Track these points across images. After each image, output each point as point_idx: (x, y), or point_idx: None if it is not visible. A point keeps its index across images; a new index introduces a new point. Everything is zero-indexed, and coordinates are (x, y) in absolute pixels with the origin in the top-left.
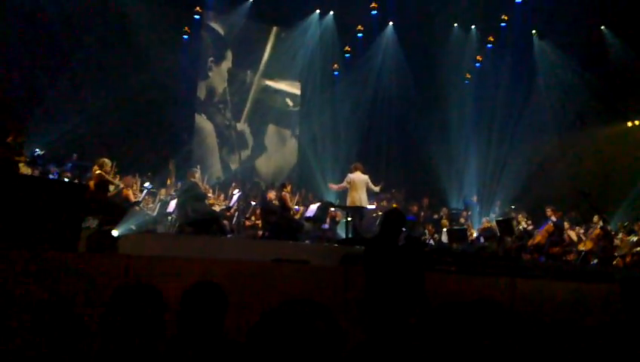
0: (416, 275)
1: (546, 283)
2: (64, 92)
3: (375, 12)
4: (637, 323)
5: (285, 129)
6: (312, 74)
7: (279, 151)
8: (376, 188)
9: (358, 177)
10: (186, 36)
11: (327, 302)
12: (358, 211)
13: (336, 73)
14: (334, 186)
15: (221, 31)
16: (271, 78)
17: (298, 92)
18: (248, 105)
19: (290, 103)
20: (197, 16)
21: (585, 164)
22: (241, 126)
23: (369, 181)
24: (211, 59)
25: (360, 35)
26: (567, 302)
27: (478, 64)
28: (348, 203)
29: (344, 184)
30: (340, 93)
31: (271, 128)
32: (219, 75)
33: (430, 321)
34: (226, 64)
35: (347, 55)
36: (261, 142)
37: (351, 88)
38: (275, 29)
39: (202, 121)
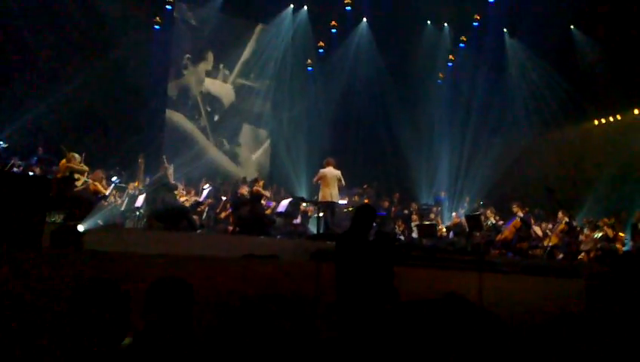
0: (386, 270)
1: (512, 278)
2: (29, 84)
3: (349, 8)
4: (600, 316)
5: (259, 128)
6: (286, 69)
7: (252, 149)
8: (343, 183)
9: (330, 172)
10: (157, 26)
11: (298, 297)
12: (329, 206)
13: (309, 69)
14: (314, 179)
15: (194, 24)
16: (245, 76)
17: (271, 90)
18: (222, 102)
19: (263, 101)
20: (169, 7)
21: (552, 161)
22: (214, 123)
23: (341, 176)
24: (187, 56)
25: (334, 30)
26: (533, 297)
27: (450, 63)
28: (320, 198)
29: (315, 179)
30: (313, 89)
31: (244, 126)
32: (192, 72)
33: (400, 317)
34: (200, 62)
35: (321, 50)
36: (234, 139)
37: (324, 84)
38: (254, 25)
39: (173, 116)
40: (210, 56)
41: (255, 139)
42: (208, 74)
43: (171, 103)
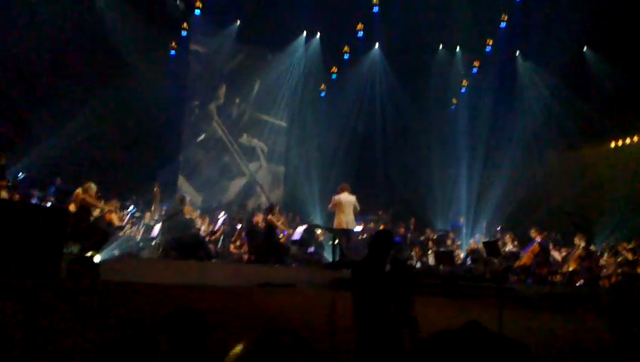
0: (404, 298)
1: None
2: (49, 113)
3: (361, 34)
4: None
5: (273, 158)
6: (299, 96)
7: (267, 178)
8: (358, 207)
9: (346, 198)
10: (173, 52)
11: (315, 326)
12: (345, 233)
13: (322, 94)
14: (329, 206)
15: (208, 54)
16: (259, 109)
17: (284, 124)
18: (237, 134)
19: (278, 133)
20: (184, 32)
21: (570, 184)
22: (230, 154)
23: (356, 202)
24: (201, 85)
25: (346, 56)
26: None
27: (463, 89)
28: (335, 225)
29: (330, 205)
30: (327, 115)
31: (259, 157)
32: (208, 102)
33: (423, 351)
34: (215, 93)
35: (334, 76)
36: (249, 170)
37: (337, 110)
38: (266, 53)
39: (190, 147)
40: (223, 89)
41: (270, 172)
42: (220, 109)
43: (188, 133)
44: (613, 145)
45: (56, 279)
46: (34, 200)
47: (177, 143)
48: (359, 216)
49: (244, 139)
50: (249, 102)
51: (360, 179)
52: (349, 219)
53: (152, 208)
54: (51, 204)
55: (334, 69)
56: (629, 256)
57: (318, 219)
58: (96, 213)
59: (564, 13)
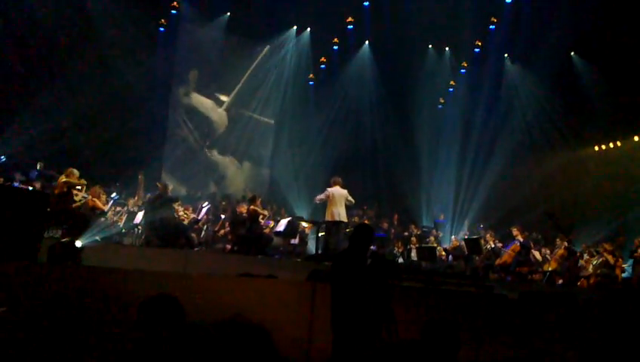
0: (382, 291)
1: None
2: (30, 99)
3: (351, 27)
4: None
5: (259, 151)
6: (287, 89)
7: (253, 168)
8: (353, 201)
9: (338, 191)
10: (162, 28)
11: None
12: (336, 225)
13: (311, 83)
14: (316, 199)
15: (198, 41)
16: (246, 103)
17: (272, 121)
18: (223, 125)
19: (265, 126)
20: (174, 11)
21: (552, 185)
22: (215, 143)
23: (348, 196)
24: (189, 74)
25: (335, 47)
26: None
27: (451, 89)
28: (327, 217)
29: (323, 197)
30: (314, 110)
31: (245, 148)
32: (194, 93)
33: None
34: (203, 83)
35: (322, 66)
36: (235, 160)
37: (325, 106)
38: (256, 46)
39: (175, 134)
40: (207, 74)
41: (255, 162)
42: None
43: (173, 122)
44: (597, 148)
45: (35, 263)
46: (16, 184)
47: (164, 131)
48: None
49: (214, 155)
50: (235, 96)
51: (346, 174)
52: (340, 212)
53: (136, 196)
54: (33, 188)
55: (323, 59)
56: (609, 258)
57: (302, 212)
58: (78, 198)
59: (553, 19)
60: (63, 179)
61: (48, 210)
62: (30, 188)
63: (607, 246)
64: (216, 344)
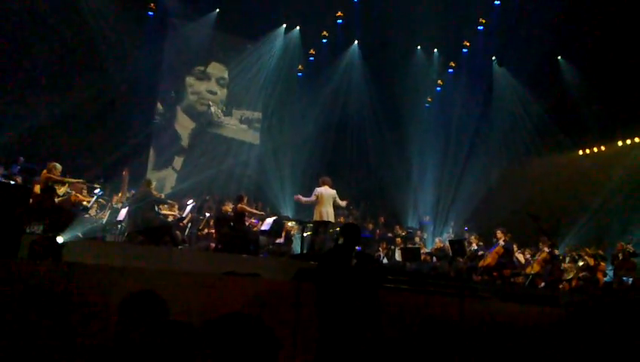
0: (368, 291)
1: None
2: (12, 91)
3: (341, 21)
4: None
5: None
6: (275, 87)
7: (238, 166)
8: (343, 204)
9: (327, 191)
10: (150, 12)
11: (277, 317)
12: (324, 225)
13: (299, 75)
14: (302, 198)
15: (186, 39)
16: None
17: (259, 116)
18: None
19: (252, 126)
20: None
21: (536, 188)
22: (200, 138)
23: (336, 196)
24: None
25: (324, 40)
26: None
27: (438, 88)
28: (315, 217)
29: (312, 198)
30: (301, 109)
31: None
32: (182, 88)
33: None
34: (191, 79)
35: (311, 58)
36: (220, 157)
37: (312, 104)
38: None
39: (161, 130)
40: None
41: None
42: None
43: (159, 117)
44: (580, 152)
45: (15, 258)
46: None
47: (149, 127)
48: None
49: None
50: (223, 93)
51: (332, 174)
52: (329, 211)
53: (120, 192)
54: (14, 183)
55: (312, 51)
56: (591, 262)
57: (287, 212)
58: (61, 192)
59: (540, 23)
60: (45, 173)
61: (30, 201)
62: (12, 182)
63: (589, 250)
64: (207, 342)
